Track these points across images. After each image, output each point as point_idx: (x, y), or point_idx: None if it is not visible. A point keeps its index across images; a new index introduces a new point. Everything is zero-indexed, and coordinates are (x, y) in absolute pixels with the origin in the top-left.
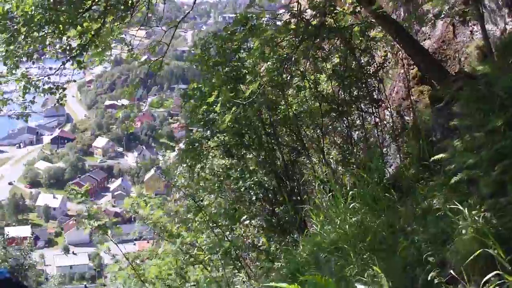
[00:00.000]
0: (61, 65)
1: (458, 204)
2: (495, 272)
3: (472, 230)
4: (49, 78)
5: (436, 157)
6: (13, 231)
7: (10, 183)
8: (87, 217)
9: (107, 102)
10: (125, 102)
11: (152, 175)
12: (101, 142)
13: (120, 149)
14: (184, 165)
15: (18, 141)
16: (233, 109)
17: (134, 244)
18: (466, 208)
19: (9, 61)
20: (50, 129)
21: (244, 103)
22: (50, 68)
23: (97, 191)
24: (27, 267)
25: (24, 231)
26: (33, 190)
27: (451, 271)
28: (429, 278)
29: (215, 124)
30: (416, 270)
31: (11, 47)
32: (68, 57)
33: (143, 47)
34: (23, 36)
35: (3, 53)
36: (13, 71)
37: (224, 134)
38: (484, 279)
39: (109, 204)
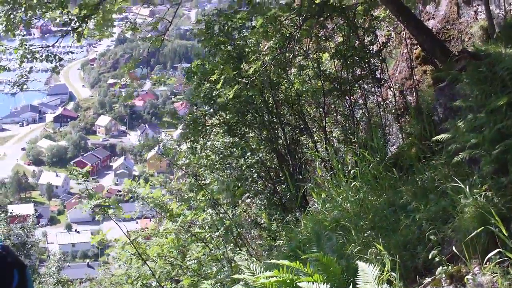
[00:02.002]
0: (59, 38)
1: (460, 183)
2: (496, 250)
3: (473, 208)
4: (48, 50)
5: (438, 137)
6: (16, 209)
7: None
8: (88, 196)
9: (110, 81)
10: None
11: (154, 153)
12: (104, 120)
13: (123, 128)
14: (186, 142)
15: (21, 119)
16: (235, 86)
17: (137, 223)
18: (467, 187)
19: (8, 30)
20: (53, 107)
21: (247, 81)
22: (53, 46)
23: (99, 169)
24: (30, 245)
25: (27, 209)
26: (36, 168)
27: (453, 248)
28: (430, 256)
29: (217, 101)
30: (417, 248)
31: (11, 17)
32: (69, 29)
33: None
34: (23, 8)
35: (3, 23)
36: (12, 34)
37: (227, 112)
38: (486, 258)
39: (112, 183)
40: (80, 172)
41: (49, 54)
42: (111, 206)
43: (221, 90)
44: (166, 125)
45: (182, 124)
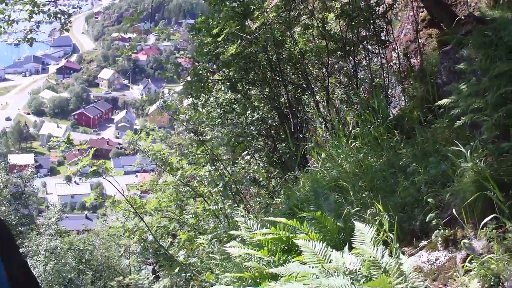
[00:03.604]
0: None
1: (461, 146)
2: (492, 215)
3: (473, 173)
4: (55, 3)
5: (440, 102)
6: (16, 159)
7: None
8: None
9: (114, 34)
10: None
11: (156, 108)
12: (107, 73)
13: (126, 81)
14: (188, 98)
15: (24, 70)
16: (238, 43)
17: (136, 176)
18: (468, 151)
19: None
20: (56, 58)
21: (250, 37)
22: None
23: (101, 122)
24: (28, 195)
25: (27, 159)
26: (37, 119)
27: (452, 211)
28: (427, 220)
29: (220, 58)
30: (414, 211)
31: None
32: None
33: None
34: None
35: None
36: None
37: (230, 69)
38: (482, 222)
39: (112, 136)
40: (64, 141)
41: (58, 12)
42: (99, 170)
43: (224, 46)
44: (168, 76)
45: (184, 80)
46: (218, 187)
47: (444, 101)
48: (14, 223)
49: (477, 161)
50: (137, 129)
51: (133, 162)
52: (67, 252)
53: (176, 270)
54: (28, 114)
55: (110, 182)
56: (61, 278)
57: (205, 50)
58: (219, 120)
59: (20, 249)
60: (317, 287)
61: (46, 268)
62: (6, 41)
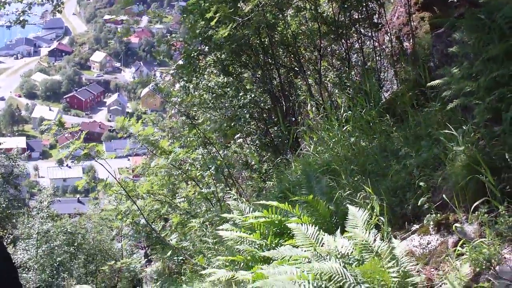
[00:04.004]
0: None
1: (453, 130)
2: (484, 198)
3: (465, 156)
4: None
5: (432, 82)
6: (8, 142)
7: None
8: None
9: (106, 17)
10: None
11: (148, 91)
12: (99, 56)
13: (118, 64)
14: (180, 82)
15: (16, 52)
16: (230, 25)
17: (128, 160)
18: (460, 135)
19: None
20: (48, 41)
21: (242, 20)
22: None
23: (93, 105)
24: (16, 175)
25: (19, 142)
26: (29, 101)
27: (443, 196)
28: (419, 203)
29: (212, 40)
30: (406, 195)
31: None
32: None
33: None
34: None
35: None
36: None
37: (222, 52)
38: (474, 205)
39: (104, 119)
40: (56, 124)
41: None
42: (91, 153)
43: (216, 29)
44: (161, 57)
45: (176, 63)
46: (210, 170)
47: (437, 81)
48: (4, 205)
49: (469, 144)
50: (128, 112)
51: (125, 146)
52: (58, 235)
53: (168, 254)
54: (20, 96)
55: (102, 165)
56: (52, 260)
57: (197, 31)
58: (210, 104)
59: (15, 232)
60: (309, 271)
61: (38, 251)
62: None
